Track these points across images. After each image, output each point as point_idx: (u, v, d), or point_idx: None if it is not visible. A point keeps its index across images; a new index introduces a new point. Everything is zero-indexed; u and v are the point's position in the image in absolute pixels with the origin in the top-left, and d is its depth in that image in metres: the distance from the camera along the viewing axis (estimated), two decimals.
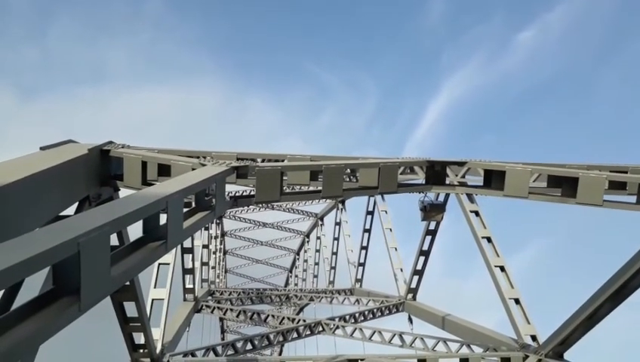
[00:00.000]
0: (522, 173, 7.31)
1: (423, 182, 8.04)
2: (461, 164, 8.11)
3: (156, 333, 9.60)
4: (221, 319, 36.72)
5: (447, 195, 11.84)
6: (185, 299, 15.88)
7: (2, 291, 4.34)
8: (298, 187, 7.43)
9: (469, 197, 12.83)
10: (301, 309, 23.59)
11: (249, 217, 31.45)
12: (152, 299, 10.46)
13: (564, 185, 7.35)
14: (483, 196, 10.47)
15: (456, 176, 8.47)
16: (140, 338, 8.76)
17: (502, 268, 11.60)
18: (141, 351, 8.87)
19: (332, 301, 19.70)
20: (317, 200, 27.80)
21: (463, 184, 8.33)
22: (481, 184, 8.14)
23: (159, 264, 11.03)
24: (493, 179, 7.82)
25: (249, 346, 11.93)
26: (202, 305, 16.45)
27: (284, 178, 6.83)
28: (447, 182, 8.27)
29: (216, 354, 10.79)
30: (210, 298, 18.30)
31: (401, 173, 8.02)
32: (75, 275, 3.16)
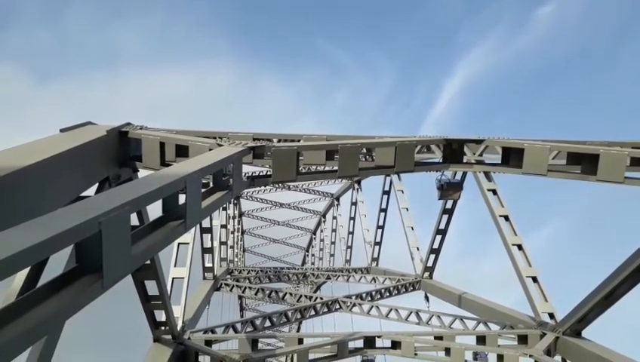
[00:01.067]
0: (541, 151, 7.20)
1: (440, 161, 7.97)
2: (479, 141, 8.01)
3: (177, 311, 9.81)
4: (240, 297, 37.33)
5: (464, 174, 11.74)
6: (204, 278, 16.17)
7: (28, 269, 4.47)
8: (314, 167, 7.44)
9: (487, 175, 12.72)
10: (318, 287, 23.82)
11: (266, 198, 31.68)
12: (173, 278, 10.67)
13: (584, 163, 7.22)
14: (501, 174, 10.37)
15: (474, 154, 8.38)
16: (161, 315, 8.97)
17: (519, 247, 11.54)
18: (163, 328, 9.08)
19: (349, 279, 19.85)
20: (333, 181, 27.85)
21: (480, 162, 8.24)
22: (499, 162, 8.05)
23: (179, 243, 11.21)
24: (512, 157, 7.72)
25: (267, 323, 12.14)
26: (221, 284, 16.74)
27: (300, 158, 6.85)
28: (465, 160, 8.19)
29: (235, 330, 11.01)
30: (229, 276, 18.59)
31: (417, 152, 7.96)
32: (97, 254, 3.24)
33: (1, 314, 2.65)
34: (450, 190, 10.09)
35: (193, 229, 11.59)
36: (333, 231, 29.20)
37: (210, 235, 15.58)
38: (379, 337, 10.49)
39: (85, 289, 3.17)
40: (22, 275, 4.46)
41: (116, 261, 3.38)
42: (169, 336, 9.19)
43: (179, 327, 9.52)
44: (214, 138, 6.98)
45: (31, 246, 2.56)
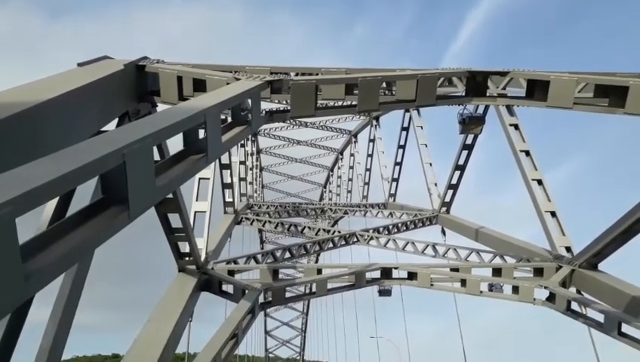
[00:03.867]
0: (568, 83, 6.96)
1: (463, 94, 7.77)
2: (503, 74, 7.75)
3: (200, 243, 10.14)
4: (260, 231, 38.37)
5: (486, 108, 11.51)
6: (225, 212, 16.55)
7: (57, 199, 4.61)
8: (333, 102, 7.34)
9: (509, 110, 12.47)
10: (335, 222, 24.24)
11: (283, 135, 31.65)
12: (195, 212, 10.94)
13: (612, 95, 6.98)
14: (523, 109, 10.12)
15: (497, 87, 8.16)
16: (185, 247, 9.29)
17: (539, 182, 11.49)
18: (187, 258, 9.44)
19: (366, 214, 20.10)
20: (351, 118, 27.58)
21: (503, 95, 8.03)
22: (523, 95, 7.84)
23: (200, 179, 11.41)
24: (537, 90, 7.49)
25: (287, 255, 12.52)
26: (242, 218, 17.14)
27: (319, 93, 6.74)
28: (488, 94, 7.98)
29: (256, 261, 11.39)
30: (249, 211, 18.98)
31: (439, 86, 7.77)
32: (122, 185, 3.32)
33: (36, 241, 2.76)
34: (472, 124, 9.93)
35: (213, 165, 11.75)
36: (351, 168, 29.28)
37: (229, 171, 15.78)
38: (395, 268, 10.76)
39: (113, 219, 3.27)
40: (51, 206, 4.61)
41: (141, 192, 3.46)
42: (193, 267, 9.56)
43: (202, 258, 9.88)
44: (231, 72, 6.88)
45: (59, 176, 2.62)
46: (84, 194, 4.31)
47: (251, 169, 26.07)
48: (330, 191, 35.12)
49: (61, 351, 4.61)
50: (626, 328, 7.82)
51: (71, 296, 4.74)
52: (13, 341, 4.28)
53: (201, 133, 4.70)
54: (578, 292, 9.88)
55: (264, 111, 6.73)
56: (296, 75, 7.28)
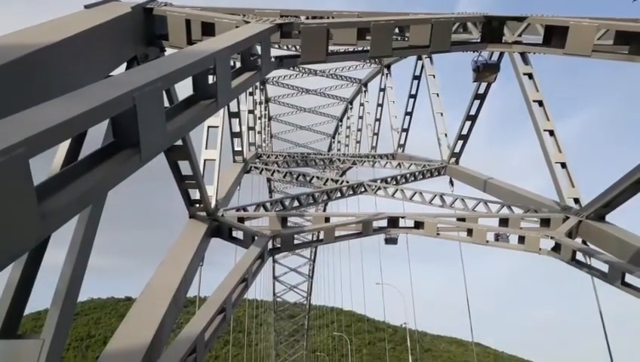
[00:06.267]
0: (587, 29, 6.73)
1: (478, 41, 7.55)
2: (520, 19, 7.49)
3: (210, 190, 10.23)
4: (268, 180, 38.64)
5: (500, 55, 11.22)
6: (234, 161, 16.61)
7: (68, 142, 4.63)
8: (344, 48, 7.17)
9: (524, 58, 12.15)
10: (344, 173, 24.30)
11: (292, 83, 31.20)
12: (204, 160, 10.98)
13: (633, 43, 6.76)
14: (538, 57, 9.84)
15: (513, 34, 7.91)
16: (195, 194, 9.39)
17: (551, 133, 11.36)
18: (197, 205, 9.56)
19: (374, 165, 20.08)
20: (361, 66, 27.03)
21: (519, 42, 7.79)
22: (540, 42, 7.60)
23: (208, 127, 11.36)
24: (554, 37, 7.26)
25: (296, 203, 12.64)
26: (251, 167, 17.20)
27: (330, 40, 6.57)
28: (503, 40, 7.75)
29: (265, 209, 11.53)
30: (257, 160, 19.03)
31: (453, 32, 7.54)
32: (133, 128, 3.31)
33: (51, 183, 2.79)
34: (486, 72, 9.71)
35: (222, 113, 11.66)
36: (360, 118, 29.01)
37: (238, 120, 15.70)
38: (402, 217, 10.85)
39: (125, 162, 3.29)
40: (63, 149, 4.64)
41: (152, 136, 3.46)
42: (204, 213, 9.69)
43: (212, 205, 10.00)
44: (240, 15, 6.71)
45: (71, 118, 2.62)
46: (95, 141, 4.32)
47: (260, 118, 25.91)
48: (338, 142, 34.99)
49: (77, 293, 4.76)
50: (629, 278, 7.92)
51: (85, 238, 4.84)
52: (30, 281, 4.42)
53: (211, 80, 4.64)
54: (584, 243, 9.95)
55: (274, 57, 6.60)
56: (307, 18, 7.10)
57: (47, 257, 4.55)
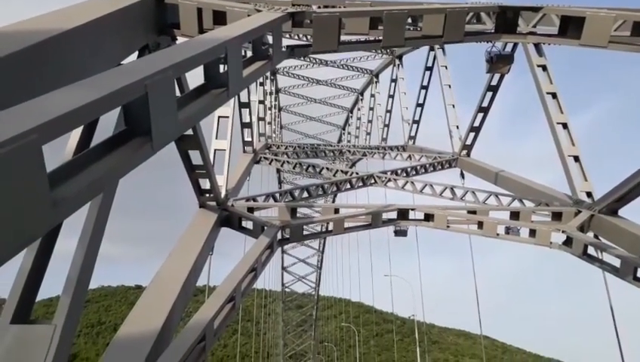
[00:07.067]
0: (605, 19, 6.60)
1: (492, 31, 7.44)
2: (536, 9, 7.37)
3: (220, 180, 10.26)
4: (278, 171, 38.69)
5: (514, 47, 11.07)
6: (244, 151, 16.64)
7: (80, 129, 4.65)
8: (356, 38, 7.10)
9: (538, 50, 11.98)
10: (353, 164, 24.24)
11: (303, 74, 31.10)
12: (215, 150, 11.00)
13: None
14: (553, 48, 9.67)
15: (528, 25, 7.79)
16: (205, 183, 9.42)
17: (564, 125, 11.22)
18: (207, 195, 9.59)
19: (384, 157, 20.00)
20: (372, 56, 26.85)
21: (534, 33, 7.67)
22: (555, 33, 7.48)
23: (219, 117, 11.37)
24: (570, 27, 7.14)
25: (305, 194, 12.64)
26: (260, 157, 17.22)
27: (342, 27, 6.52)
28: (518, 31, 7.63)
29: (275, 200, 11.54)
30: (267, 151, 19.04)
31: (467, 23, 7.44)
32: (145, 117, 3.31)
33: (63, 170, 2.80)
34: (500, 63, 9.59)
35: (232, 103, 11.65)
36: (371, 109, 28.86)
37: (248, 110, 15.70)
38: (412, 210, 10.80)
39: (136, 150, 3.29)
40: (75, 136, 4.66)
41: (163, 124, 3.45)
42: (213, 203, 9.72)
43: (222, 195, 10.03)
44: (251, 3, 6.67)
45: (83, 105, 2.62)
46: (106, 130, 4.33)
47: (270, 108, 25.89)
48: (349, 134, 34.90)
49: (88, 280, 4.80)
50: None
51: (96, 226, 4.87)
52: (42, 268, 4.47)
53: (222, 69, 4.62)
54: (596, 237, 9.85)
55: (285, 46, 6.57)
56: (319, 7, 7.04)
57: (58, 245, 4.59)
